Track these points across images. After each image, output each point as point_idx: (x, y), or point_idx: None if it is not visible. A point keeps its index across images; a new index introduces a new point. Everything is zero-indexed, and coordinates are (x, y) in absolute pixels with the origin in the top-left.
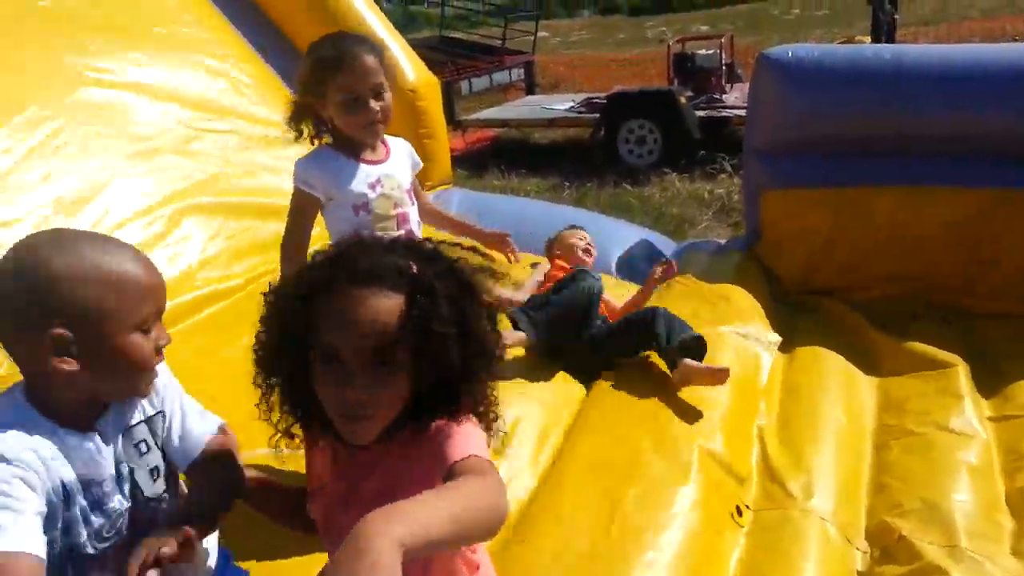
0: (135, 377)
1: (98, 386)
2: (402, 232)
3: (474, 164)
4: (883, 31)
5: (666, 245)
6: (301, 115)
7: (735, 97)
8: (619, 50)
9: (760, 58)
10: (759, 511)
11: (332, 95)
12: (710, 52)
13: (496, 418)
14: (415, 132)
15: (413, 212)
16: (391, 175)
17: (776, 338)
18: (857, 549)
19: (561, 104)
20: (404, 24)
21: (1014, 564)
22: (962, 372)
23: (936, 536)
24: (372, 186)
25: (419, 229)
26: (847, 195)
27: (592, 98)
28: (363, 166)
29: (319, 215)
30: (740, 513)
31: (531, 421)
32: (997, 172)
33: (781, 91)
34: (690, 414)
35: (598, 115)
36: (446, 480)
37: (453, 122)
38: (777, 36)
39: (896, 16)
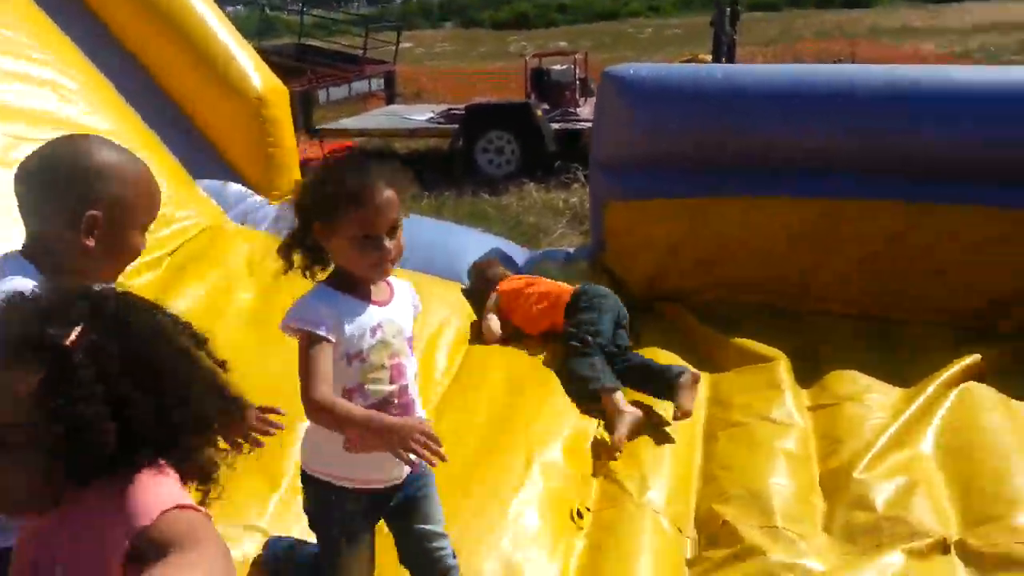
0: (123, 266)
1: (98, 265)
2: (395, 387)
3: None
4: (723, 51)
5: (519, 253)
6: (299, 245)
7: (588, 111)
8: (481, 63)
9: (604, 75)
10: (598, 511)
11: (345, 229)
12: (564, 68)
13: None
14: (261, 141)
15: (411, 365)
16: (393, 320)
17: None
18: (687, 538)
19: (421, 114)
20: (261, 30)
21: (825, 540)
22: (783, 366)
23: (756, 519)
24: (373, 331)
25: (416, 385)
26: (689, 206)
27: (452, 109)
28: (364, 306)
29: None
30: (580, 515)
31: None
32: (825, 184)
33: (623, 107)
34: (530, 420)
35: (457, 126)
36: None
37: (311, 131)
38: (632, 53)
39: (736, 36)
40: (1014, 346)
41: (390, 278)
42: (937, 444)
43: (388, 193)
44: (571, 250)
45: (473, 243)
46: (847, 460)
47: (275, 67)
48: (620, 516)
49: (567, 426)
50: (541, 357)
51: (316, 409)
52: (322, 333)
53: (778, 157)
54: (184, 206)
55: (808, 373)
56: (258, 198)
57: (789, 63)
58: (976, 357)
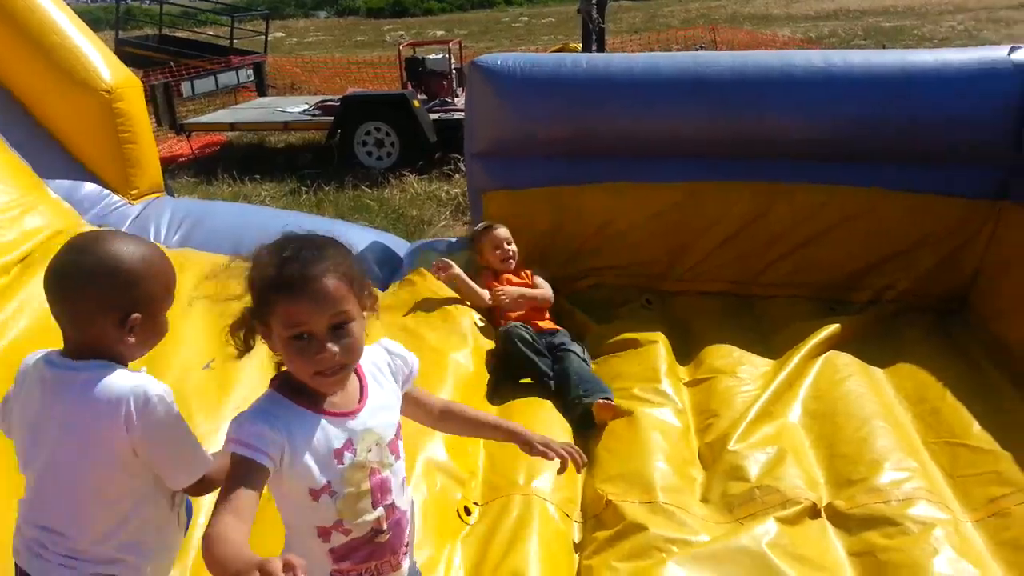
0: (153, 346)
1: (137, 352)
2: (381, 512)
3: (203, 170)
4: (592, 39)
5: (400, 246)
6: (245, 329)
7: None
8: (357, 52)
9: (472, 65)
10: (484, 504)
11: (276, 326)
12: (440, 57)
13: None
14: (114, 137)
15: (399, 470)
16: (369, 429)
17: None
18: (575, 522)
19: (295, 107)
20: (120, 21)
21: (703, 509)
22: (662, 346)
23: (637, 496)
24: (339, 454)
25: (404, 493)
26: (560, 194)
27: (326, 101)
28: (326, 424)
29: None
30: (468, 512)
31: None
32: (688, 168)
33: (492, 97)
34: (411, 424)
35: (333, 118)
36: None
37: (176, 126)
38: (507, 42)
39: (603, 25)
40: (869, 315)
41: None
42: (804, 411)
43: (328, 281)
44: (453, 240)
45: (355, 238)
46: (722, 432)
47: (134, 59)
48: (508, 505)
49: None
50: (434, 349)
51: (203, 548)
52: (263, 463)
53: (641, 144)
54: (32, 209)
55: (683, 350)
56: (116, 198)
57: (658, 51)
58: (835, 327)
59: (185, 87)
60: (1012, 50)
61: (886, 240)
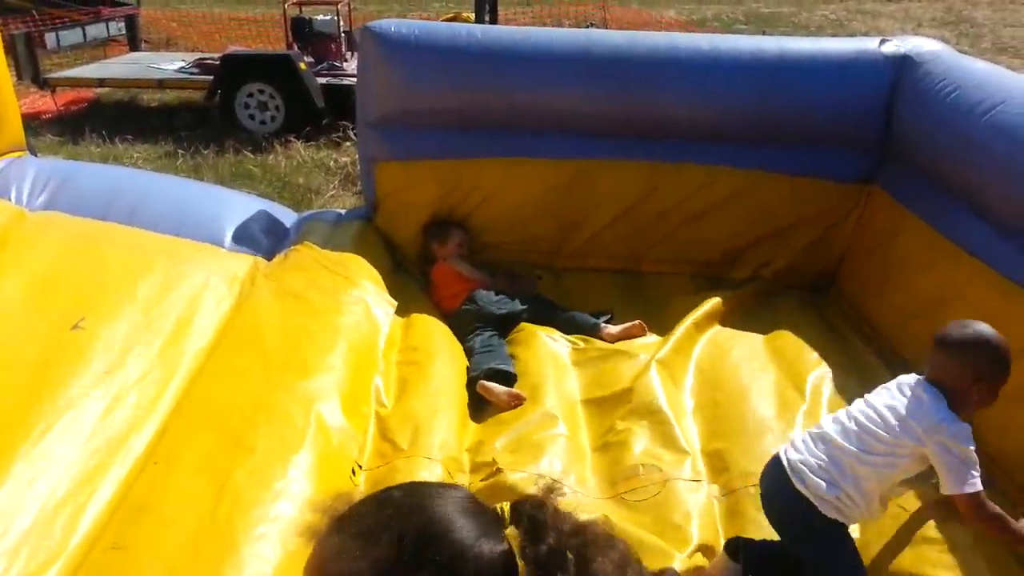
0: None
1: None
2: None
3: (69, 128)
4: (485, 10)
5: (287, 216)
6: None
7: (355, 66)
8: (239, 8)
9: (364, 31)
10: (371, 470)
11: None
12: (328, 18)
13: None
14: None
15: None
16: None
17: (392, 304)
18: (461, 484)
19: (171, 64)
20: None
21: (591, 484)
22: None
23: (526, 466)
24: None
25: None
26: (455, 167)
27: (205, 58)
28: None
29: None
30: (354, 474)
31: None
32: (580, 145)
33: (385, 64)
34: (305, 380)
35: (213, 77)
36: None
37: (40, 81)
38: (398, 7)
39: None
40: (747, 291)
41: None
42: (691, 383)
43: None
44: (342, 211)
45: (236, 205)
46: (610, 408)
47: None
48: (392, 471)
49: (345, 382)
50: (324, 312)
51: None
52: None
53: (534, 119)
54: None
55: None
56: None
57: (549, 26)
58: (717, 300)
59: (49, 38)
60: (882, 42)
61: (765, 220)
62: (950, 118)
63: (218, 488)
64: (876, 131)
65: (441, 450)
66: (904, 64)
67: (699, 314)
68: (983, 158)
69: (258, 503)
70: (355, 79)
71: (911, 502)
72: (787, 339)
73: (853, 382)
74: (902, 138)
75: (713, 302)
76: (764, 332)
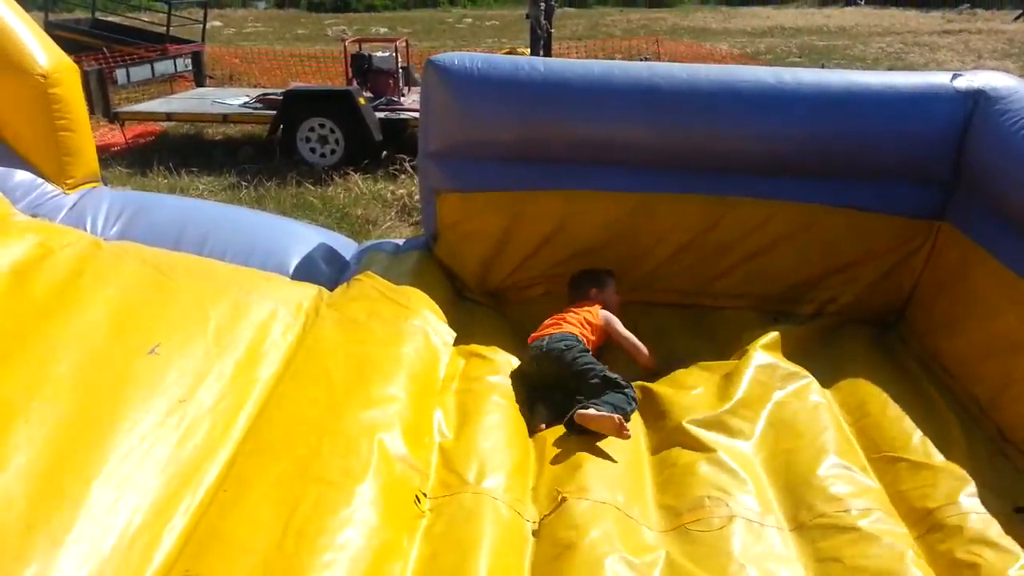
0: None
1: None
2: None
3: (137, 160)
4: (540, 44)
5: (347, 247)
6: None
7: (412, 100)
8: (297, 45)
9: (428, 64)
10: (436, 498)
11: None
12: (387, 54)
13: None
14: (49, 124)
15: None
16: None
17: (451, 333)
18: (527, 521)
19: (235, 99)
20: (49, 3)
21: (654, 514)
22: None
23: (592, 495)
24: None
25: None
26: (513, 199)
27: (268, 94)
28: None
29: None
30: (419, 501)
31: None
32: (642, 178)
33: (448, 97)
34: (368, 409)
35: (275, 112)
36: None
37: (110, 114)
38: (452, 42)
39: (551, 31)
40: (812, 327)
41: None
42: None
43: None
44: (401, 242)
45: (299, 235)
46: (675, 441)
47: (65, 43)
48: (459, 503)
49: (407, 412)
50: (385, 341)
51: None
52: None
53: (595, 152)
54: None
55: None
56: (50, 187)
57: (602, 59)
58: (775, 334)
59: (120, 74)
60: (954, 77)
61: (829, 255)
62: None
63: (286, 517)
64: (946, 166)
65: (507, 488)
66: (978, 99)
67: (759, 345)
68: None
69: (325, 531)
70: (412, 113)
71: None
72: (853, 378)
73: (919, 423)
74: (975, 174)
75: (773, 334)
76: (829, 370)
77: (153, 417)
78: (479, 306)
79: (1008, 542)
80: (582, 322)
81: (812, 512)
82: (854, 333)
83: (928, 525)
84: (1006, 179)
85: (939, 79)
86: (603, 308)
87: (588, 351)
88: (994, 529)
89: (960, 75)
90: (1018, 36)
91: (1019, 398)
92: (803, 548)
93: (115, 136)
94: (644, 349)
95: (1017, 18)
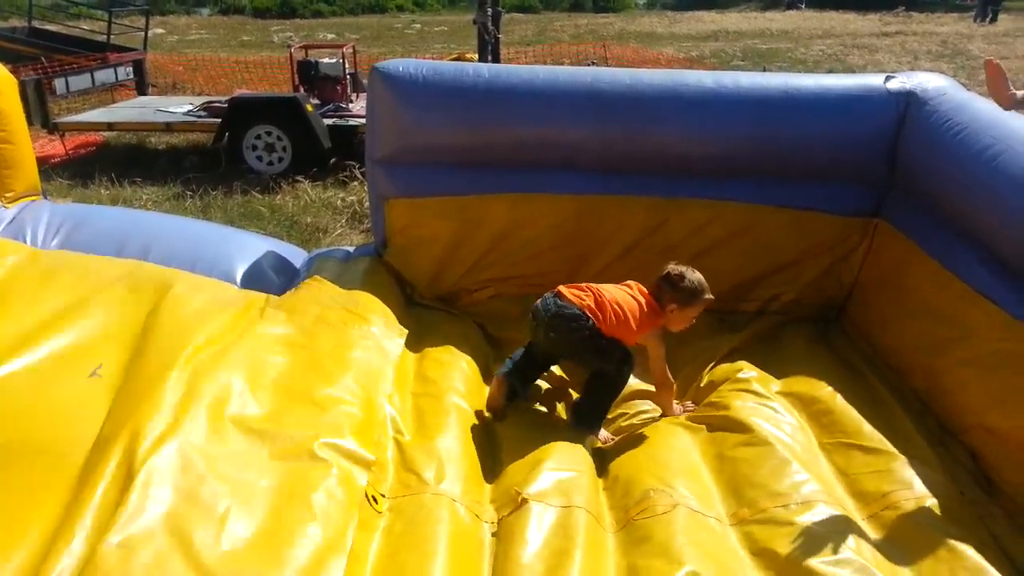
0: None
1: None
2: None
3: (78, 172)
4: (488, 49)
5: (296, 255)
6: None
7: (360, 106)
8: (243, 52)
9: (373, 71)
10: (395, 498)
11: None
12: (334, 61)
13: None
14: None
15: None
16: None
17: (402, 333)
18: (485, 523)
19: (179, 107)
20: None
21: (606, 513)
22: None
23: (549, 497)
24: None
25: None
26: (464, 203)
27: (212, 102)
28: None
29: None
30: (376, 501)
31: None
32: (588, 181)
33: (393, 103)
34: (315, 412)
35: (220, 120)
36: None
37: (49, 125)
38: (400, 48)
39: (499, 36)
40: (757, 325)
41: None
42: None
43: None
44: (351, 249)
45: (246, 245)
46: (623, 441)
47: (1, 53)
48: (418, 504)
49: (358, 413)
50: (333, 346)
51: None
52: None
53: (542, 156)
54: None
55: None
56: None
57: (550, 64)
58: (728, 337)
59: (59, 84)
60: (887, 79)
61: (771, 254)
62: (957, 158)
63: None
64: (881, 166)
65: (466, 491)
66: (910, 100)
67: (712, 350)
68: (991, 201)
69: (276, 534)
70: (360, 120)
71: None
72: (801, 371)
73: (867, 412)
74: (908, 174)
75: (725, 337)
76: (777, 365)
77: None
78: (431, 310)
79: (958, 527)
80: (619, 305)
81: (753, 508)
82: (798, 330)
83: (883, 505)
84: (936, 177)
85: (872, 81)
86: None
87: (599, 334)
88: (948, 512)
89: (893, 77)
90: (951, 38)
91: (954, 390)
92: (741, 541)
93: (55, 147)
94: (670, 385)
95: (986, 19)
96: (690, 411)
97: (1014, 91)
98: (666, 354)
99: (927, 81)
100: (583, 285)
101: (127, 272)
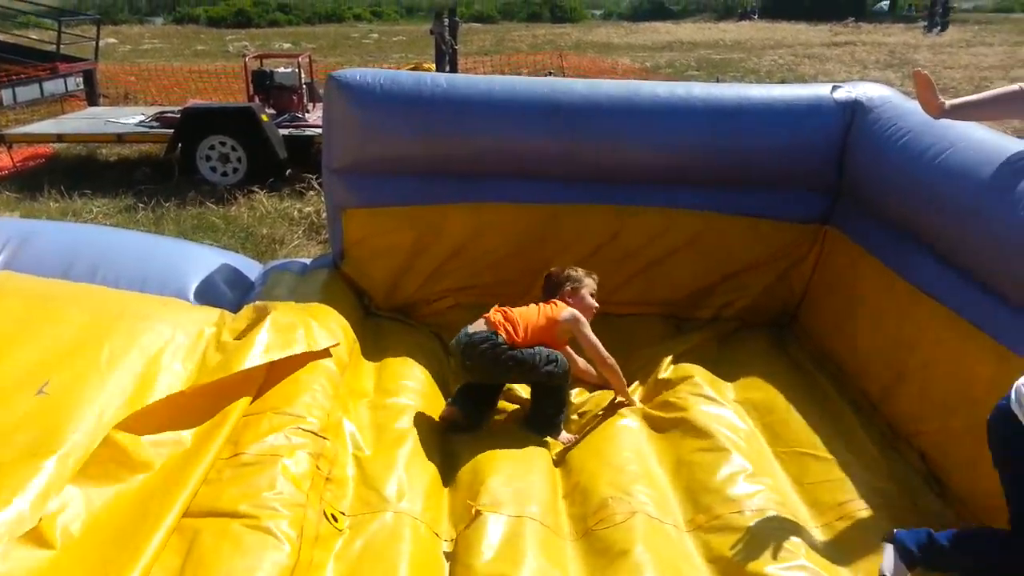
0: None
1: None
2: None
3: (27, 184)
4: (445, 59)
5: (251, 268)
6: None
7: (317, 116)
8: (197, 62)
9: (329, 80)
10: (355, 516)
11: None
12: (289, 70)
13: None
14: None
15: None
16: None
17: (354, 348)
18: (444, 540)
19: (130, 118)
20: None
21: (566, 523)
22: None
23: (505, 509)
24: None
25: None
26: (422, 213)
27: (165, 112)
28: None
29: None
30: (336, 519)
31: None
32: (546, 190)
33: (349, 113)
34: (275, 428)
35: (173, 131)
36: None
37: None
38: (358, 58)
39: (456, 46)
40: (711, 331)
41: None
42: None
43: None
44: (308, 261)
45: (199, 258)
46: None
47: None
48: (379, 521)
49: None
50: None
51: None
52: None
53: (499, 165)
54: None
55: None
56: None
57: (508, 74)
58: (683, 339)
59: (5, 94)
60: (834, 88)
61: (725, 261)
62: (901, 162)
63: (184, 553)
64: (829, 173)
65: (426, 507)
66: (855, 109)
67: (669, 355)
68: (934, 201)
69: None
70: (317, 130)
71: None
72: (756, 379)
73: (820, 419)
74: (855, 180)
75: (681, 341)
76: (731, 372)
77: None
78: (389, 321)
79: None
80: (522, 325)
81: (709, 515)
82: (752, 336)
83: (838, 515)
84: (882, 182)
85: (820, 91)
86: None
87: (510, 347)
88: (900, 522)
89: (839, 87)
90: (899, 48)
91: (904, 394)
92: (697, 547)
93: (2, 160)
94: (612, 366)
95: (937, 30)
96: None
97: (942, 100)
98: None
99: (872, 90)
100: (497, 307)
101: (73, 297)
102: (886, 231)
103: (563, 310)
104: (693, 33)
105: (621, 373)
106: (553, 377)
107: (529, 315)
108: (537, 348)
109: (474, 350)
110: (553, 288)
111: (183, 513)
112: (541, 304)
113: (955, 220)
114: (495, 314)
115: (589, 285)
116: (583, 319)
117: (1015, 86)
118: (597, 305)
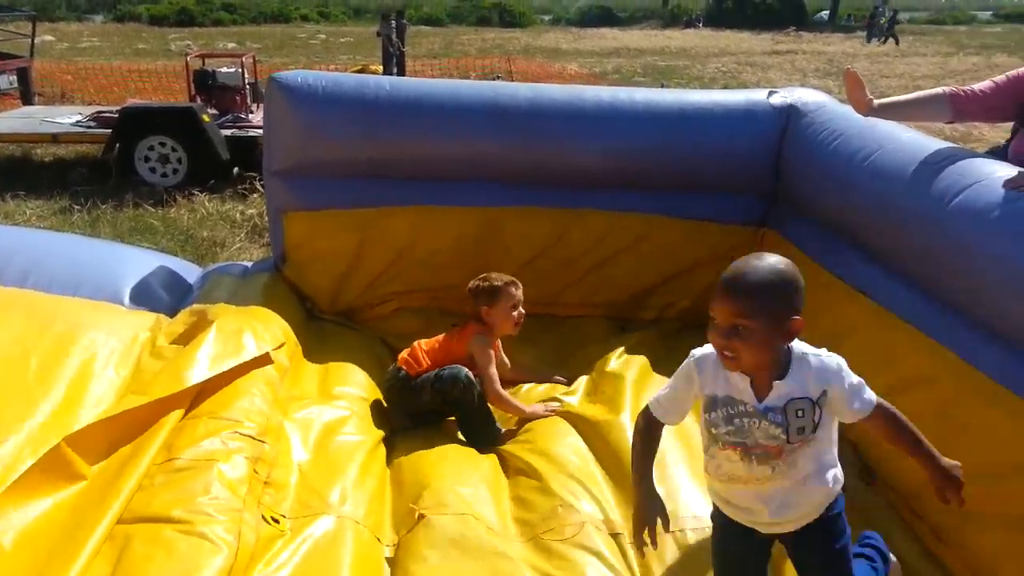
0: None
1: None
2: None
3: None
4: (393, 62)
5: (189, 271)
6: None
7: (260, 117)
8: (138, 60)
9: (271, 81)
10: (296, 519)
11: None
12: (233, 70)
13: None
14: None
15: None
16: None
17: (296, 352)
18: (386, 546)
19: (67, 117)
20: None
21: (511, 525)
22: None
23: (449, 510)
24: None
25: None
26: (365, 216)
27: (103, 111)
28: None
29: None
30: (277, 521)
31: None
32: (490, 193)
33: (290, 115)
34: (211, 432)
35: (111, 131)
36: None
37: None
38: (304, 59)
39: (404, 48)
40: (654, 332)
41: None
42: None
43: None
44: (249, 264)
45: (135, 262)
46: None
47: None
48: (320, 527)
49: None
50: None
51: None
52: None
53: (443, 168)
54: None
55: None
56: None
57: (456, 77)
58: (624, 338)
59: None
60: (770, 93)
61: (666, 263)
62: (833, 164)
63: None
64: (766, 177)
65: (368, 512)
66: (791, 113)
67: (611, 354)
68: (863, 199)
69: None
70: (261, 131)
71: None
72: None
73: None
74: (791, 183)
75: (624, 341)
76: (671, 370)
77: None
78: (332, 325)
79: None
80: (424, 352)
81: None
82: (694, 336)
83: None
84: (816, 183)
85: (757, 96)
86: (484, 332)
87: (413, 377)
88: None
89: (775, 92)
90: (838, 56)
91: None
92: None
93: None
94: (505, 400)
95: (883, 40)
96: (554, 409)
97: (871, 98)
98: (496, 370)
99: (807, 95)
100: (415, 344)
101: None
102: (821, 232)
103: (468, 340)
104: (640, 40)
105: (515, 402)
106: (457, 388)
107: (432, 344)
108: (437, 370)
109: (389, 390)
110: (473, 301)
111: (116, 520)
112: (451, 333)
113: (881, 218)
114: (404, 352)
115: (509, 296)
116: (486, 349)
117: (939, 89)
118: (518, 314)
